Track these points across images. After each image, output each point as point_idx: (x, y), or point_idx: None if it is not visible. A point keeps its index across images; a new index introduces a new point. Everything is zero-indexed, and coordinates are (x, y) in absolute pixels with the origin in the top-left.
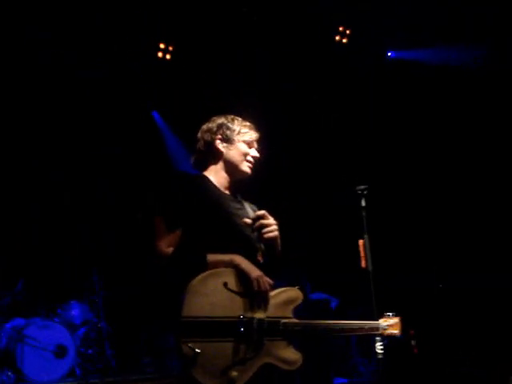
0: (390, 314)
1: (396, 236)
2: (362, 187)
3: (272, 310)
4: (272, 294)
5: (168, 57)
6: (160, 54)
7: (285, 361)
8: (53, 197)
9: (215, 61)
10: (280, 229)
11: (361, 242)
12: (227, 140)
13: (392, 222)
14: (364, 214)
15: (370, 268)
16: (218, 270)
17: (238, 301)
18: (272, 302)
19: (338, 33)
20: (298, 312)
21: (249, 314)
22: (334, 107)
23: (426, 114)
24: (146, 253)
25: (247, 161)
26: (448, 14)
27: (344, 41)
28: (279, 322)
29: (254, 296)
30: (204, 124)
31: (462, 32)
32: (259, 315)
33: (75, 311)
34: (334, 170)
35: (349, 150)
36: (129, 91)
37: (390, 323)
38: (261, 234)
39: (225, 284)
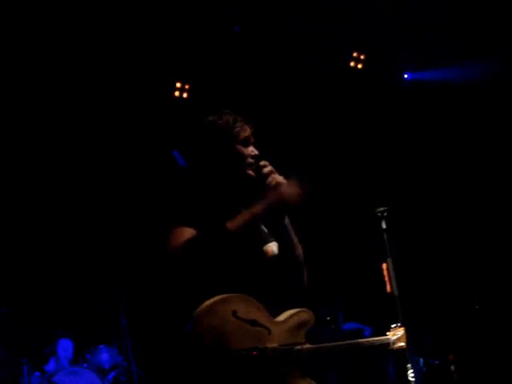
0: (395, 325)
1: (423, 258)
2: (382, 209)
3: (284, 337)
4: (283, 318)
5: (185, 95)
6: (177, 93)
7: None
8: (80, 240)
9: (231, 96)
10: (306, 257)
11: (384, 265)
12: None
13: (417, 243)
14: (385, 236)
15: (396, 292)
16: (225, 296)
17: (249, 330)
18: (284, 327)
19: (353, 58)
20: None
21: (261, 344)
22: (353, 131)
23: (447, 133)
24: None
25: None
26: (462, 31)
27: (359, 66)
28: (292, 349)
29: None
30: None
31: (477, 48)
32: (272, 344)
33: (104, 355)
34: (353, 194)
35: (368, 172)
36: (148, 132)
37: (398, 336)
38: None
39: (233, 312)
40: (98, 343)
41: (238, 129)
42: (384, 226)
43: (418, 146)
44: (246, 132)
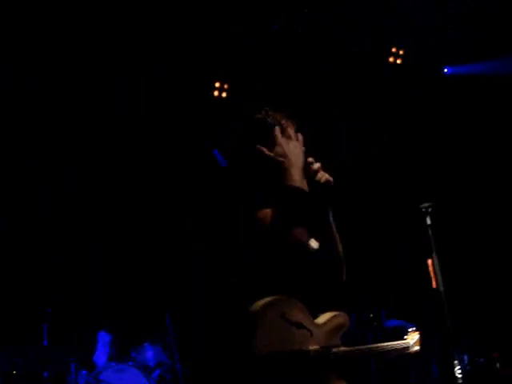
0: (411, 329)
1: (469, 253)
2: (427, 205)
3: (324, 339)
4: (322, 320)
5: (224, 95)
6: (216, 93)
7: None
8: (122, 241)
9: (269, 96)
10: (347, 255)
11: (429, 261)
12: None
13: (463, 238)
14: (430, 232)
15: (442, 288)
16: (274, 299)
17: (295, 332)
18: (323, 329)
19: (392, 54)
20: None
21: (304, 346)
22: (395, 127)
23: (490, 127)
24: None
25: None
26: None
27: (398, 61)
28: (330, 351)
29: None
30: None
31: None
32: (313, 346)
33: (149, 354)
34: (397, 190)
35: (412, 167)
36: (188, 131)
37: (414, 340)
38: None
39: (282, 314)
40: (142, 341)
41: (285, 125)
42: (429, 221)
43: (463, 140)
44: (293, 126)
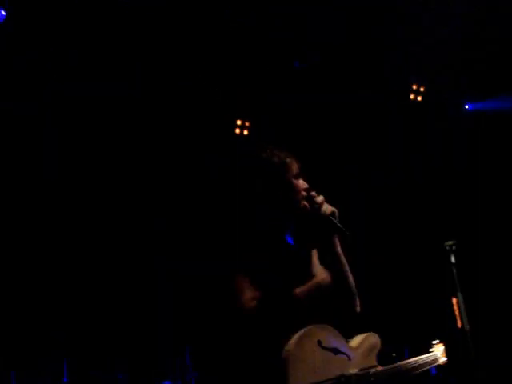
0: (435, 341)
1: (494, 293)
2: (450, 242)
3: (361, 361)
4: (356, 343)
5: (245, 132)
6: (238, 131)
7: None
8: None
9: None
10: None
11: (454, 300)
12: None
13: (487, 277)
14: (455, 270)
15: (467, 327)
16: (309, 329)
17: (334, 359)
18: (359, 352)
19: (413, 91)
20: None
21: (345, 371)
22: (416, 164)
23: None
24: (232, 314)
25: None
26: None
27: (419, 99)
28: (369, 372)
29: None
30: None
31: None
32: (353, 369)
33: None
34: (422, 227)
35: (436, 205)
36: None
37: (441, 351)
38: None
39: (319, 343)
40: (162, 379)
41: (289, 164)
42: (453, 259)
43: (484, 176)
44: (296, 166)
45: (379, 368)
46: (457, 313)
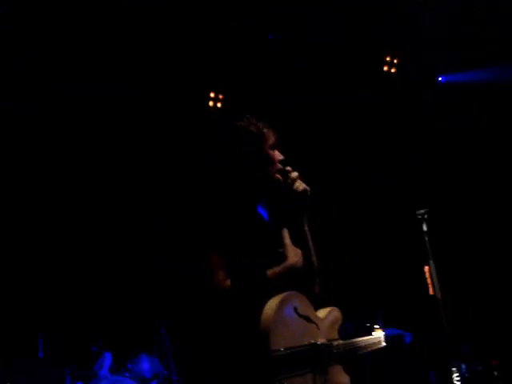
0: (376, 326)
1: (467, 259)
2: (422, 211)
3: (326, 332)
4: (322, 315)
5: (219, 105)
6: (211, 103)
7: None
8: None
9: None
10: (344, 264)
11: (426, 268)
12: None
13: (460, 245)
14: (427, 238)
15: (439, 295)
16: (285, 295)
17: (307, 326)
18: (325, 323)
19: (386, 63)
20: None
21: (314, 339)
22: (389, 135)
23: (485, 133)
24: (207, 292)
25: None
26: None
27: (393, 70)
28: (332, 344)
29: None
30: None
31: None
32: (321, 339)
33: (145, 365)
34: (394, 196)
35: (408, 175)
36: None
37: (381, 336)
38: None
39: (295, 309)
40: (138, 352)
41: (267, 134)
42: (425, 228)
43: (457, 145)
44: (273, 137)
45: (340, 342)
46: (429, 281)
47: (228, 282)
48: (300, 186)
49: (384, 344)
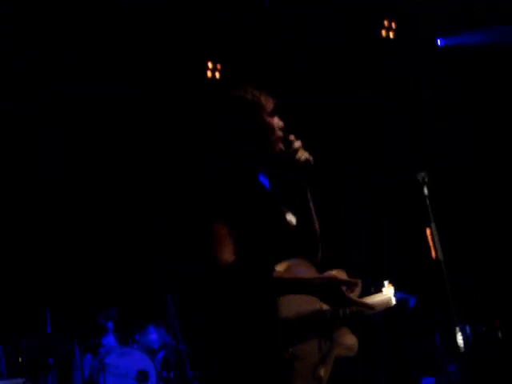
0: (386, 282)
1: (469, 221)
2: (422, 174)
3: None
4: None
5: (217, 75)
6: (209, 74)
7: (348, 347)
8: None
9: (264, 76)
10: (344, 229)
11: (428, 231)
12: None
13: (462, 207)
14: (428, 202)
15: (442, 258)
16: (292, 261)
17: None
18: None
19: (384, 27)
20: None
21: (319, 306)
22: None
23: (486, 97)
24: (208, 267)
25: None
26: None
27: (391, 35)
28: (339, 309)
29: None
30: None
31: None
32: (326, 306)
33: (153, 336)
34: (394, 160)
35: (409, 138)
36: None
37: (392, 292)
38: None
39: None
40: (146, 323)
41: (264, 100)
42: (426, 191)
43: (458, 110)
44: (272, 103)
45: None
46: (431, 243)
47: (232, 258)
48: (303, 155)
49: (394, 302)
